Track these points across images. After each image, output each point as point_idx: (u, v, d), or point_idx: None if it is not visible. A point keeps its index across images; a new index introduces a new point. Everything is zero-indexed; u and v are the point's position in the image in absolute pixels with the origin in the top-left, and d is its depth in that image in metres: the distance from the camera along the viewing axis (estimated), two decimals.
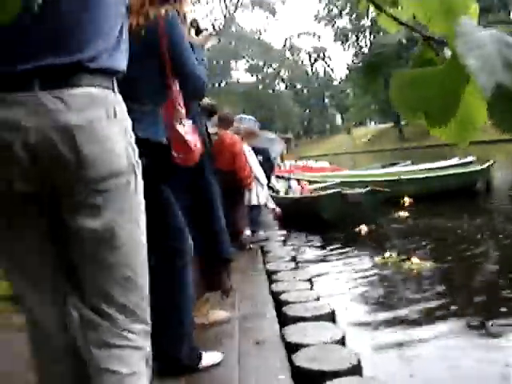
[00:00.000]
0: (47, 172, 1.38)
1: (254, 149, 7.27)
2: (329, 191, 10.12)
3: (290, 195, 11.11)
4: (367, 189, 9.94)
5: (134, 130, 2.55)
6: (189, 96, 2.88)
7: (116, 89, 1.51)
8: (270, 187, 10.93)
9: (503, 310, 4.68)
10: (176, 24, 2.66)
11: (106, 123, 1.41)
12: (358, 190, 10.15)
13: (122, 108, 1.53)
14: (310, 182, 12.44)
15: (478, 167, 12.64)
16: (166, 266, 2.72)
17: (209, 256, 3.11)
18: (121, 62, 1.52)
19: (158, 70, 2.65)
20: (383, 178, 12.73)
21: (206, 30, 3.13)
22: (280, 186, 11.46)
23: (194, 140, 2.75)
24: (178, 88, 2.79)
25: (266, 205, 8.00)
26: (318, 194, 10.31)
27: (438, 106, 0.83)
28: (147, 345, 1.62)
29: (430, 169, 14.30)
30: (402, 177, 12.69)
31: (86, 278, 1.51)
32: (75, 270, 1.51)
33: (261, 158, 8.32)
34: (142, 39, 2.59)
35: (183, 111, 2.79)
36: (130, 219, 1.52)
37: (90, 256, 1.48)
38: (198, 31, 3.07)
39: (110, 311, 1.51)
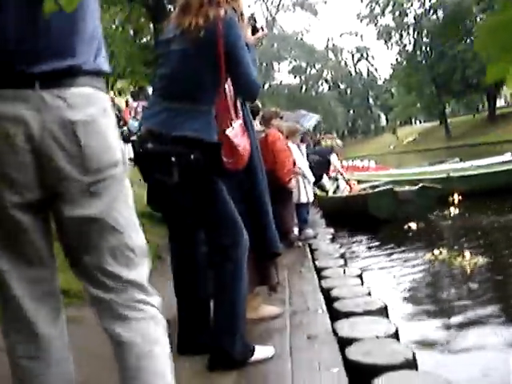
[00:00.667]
0: (50, 164, 1.49)
1: (311, 148, 7.26)
2: (380, 188, 10.04)
3: (338, 194, 11.04)
4: (419, 186, 9.80)
5: (186, 129, 2.59)
6: (242, 97, 2.90)
7: (104, 88, 1.64)
8: (319, 186, 10.95)
9: None
10: (234, 25, 2.66)
11: (102, 119, 1.55)
12: (409, 188, 10.01)
13: (110, 105, 1.64)
14: (358, 182, 12.32)
15: None
16: (221, 257, 2.75)
17: (258, 250, 3.10)
18: (105, 64, 1.63)
19: (214, 71, 2.66)
20: (433, 176, 12.50)
21: (262, 29, 3.13)
22: (328, 185, 11.40)
23: (243, 143, 2.74)
24: (230, 90, 2.80)
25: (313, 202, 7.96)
26: (368, 192, 10.22)
27: None
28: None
29: (480, 166, 13.98)
30: (452, 174, 12.45)
31: (91, 262, 1.61)
32: (80, 255, 1.62)
33: (317, 157, 8.31)
34: (200, 39, 2.60)
35: (234, 114, 2.80)
36: (127, 205, 1.64)
37: (94, 241, 1.59)
38: (255, 30, 3.07)
39: (118, 286, 1.61)
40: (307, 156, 8.20)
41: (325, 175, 11.13)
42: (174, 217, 3.08)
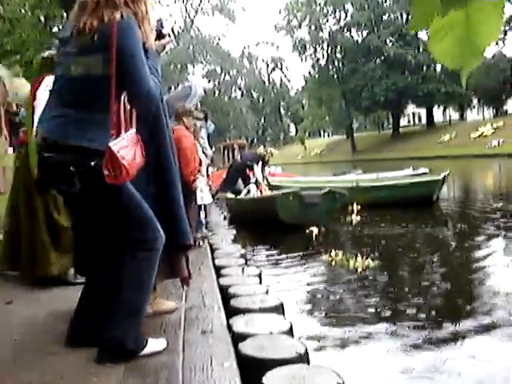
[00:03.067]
0: None
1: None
2: (286, 190, 10.18)
3: (249, 197, 11.14)
4: (326, 190, 10.00)
5: (81, 139, 2.49)
6: (135, 107, 2.74)
7: None
8: (233, 190, 11.09)
9: (440, 310, 4.90)
10: (129, 31, 2.53)
11: None
12: (315, 192, 10.19)
13: None
14: (269, 188, 12.46)
15: (438, 177, 12.94)
16: (133, 251, 2.71)
17: (169, 243, 3.04)
18: None
19: (107, 79, 2.52)
20: (341, 185, 12.85)
21: (169, 35, 3.04)
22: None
23: (130, 154, 2.57)
24: (124, 98, 2.67)
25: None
26: (275, 193, 10.34)
27: None
28: None
29: (385, 177, 14.57)
30: (360, 184, 12.86)
31: None
32: None
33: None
34: (93, 44, 2.49)
35: (125, 123, 2.67)
36: None
37: None
38: (160, 35, 2.97)
39: None
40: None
41: (240, 180, 11.28)
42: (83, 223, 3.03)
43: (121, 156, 2.50)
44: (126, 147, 2.58)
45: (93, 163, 2.49)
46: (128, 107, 2.69)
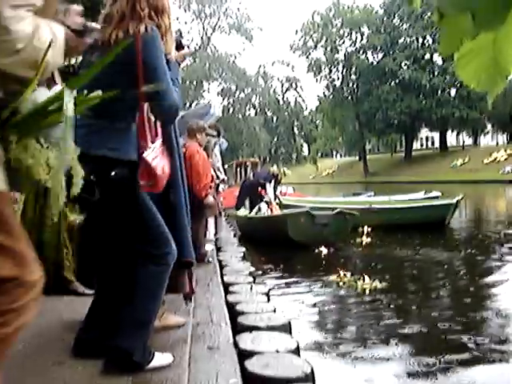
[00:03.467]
0: None
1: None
2: (298, 210, 10.19)
3: (259, 215, 11.17)
4: (336, 211, 10.01)
5: (103, 148, 2.54)
6: (158, 118, 2.80)
7: None
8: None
9: (447, 336, 4.86)
10: (153, 44, 2.59)
11: None
12: (326, 212, 10.20)
13: None
14: (280, 207, 12.47)
15: (451, 200, 12.91)
16: (147, 263, 2.75)
17: None
18: None
19: (132, 88, 2.57)
20: (353, 206, 12.86)
21: (188, 47, 3.10)
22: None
23: (161, 164, 2.67)
24: (148, 109, 2.73)
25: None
26: (286, 212, 10.36)
27: (485, 6, 0.79)
28: None
29: (398, 200, 14.56)
30: (374, 206, 12.86)
31: None
32: None
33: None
34: (118, 55, 2.54)
35: (152, 133, 2.73)
36: None
37: None
38: (180, 46, 3.03)
39: None
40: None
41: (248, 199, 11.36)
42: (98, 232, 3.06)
43: (155, 166, 2.58)
44: (157, 158, 2.64)
45: (113, 173, 2.53)
46: (152, 119, 2.75)
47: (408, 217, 12.31)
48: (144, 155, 2.60)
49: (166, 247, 2.79)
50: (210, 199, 6.46)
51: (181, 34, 3.06)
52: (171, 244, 2.81)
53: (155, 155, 2.66)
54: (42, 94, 1.64)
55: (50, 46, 1.55)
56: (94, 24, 2.07)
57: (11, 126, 1.51)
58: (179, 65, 3.03)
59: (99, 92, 1.70)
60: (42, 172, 1.58)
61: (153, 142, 2.70)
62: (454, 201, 12.80)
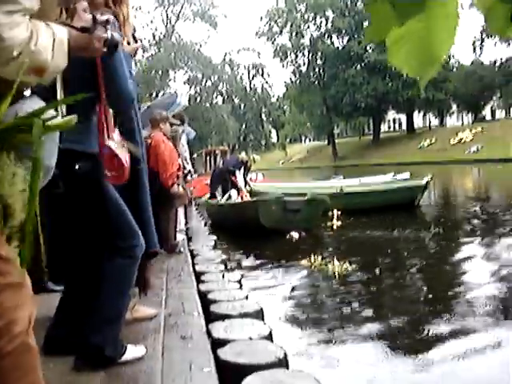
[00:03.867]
0: None
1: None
2: (269, 196, 10.20)
3: (230, 202, 11.15)
4: (308, 196, 10.04)
5: (65, 140, 2.48)
6: (113, 108, 2.75)
7: None
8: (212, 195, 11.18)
9: (419, 313, 4.95)
10: None
11: None
12: (297, 198, 10.23)
13: None
14: (251, 194, 12.45)
15: (421, 182, 13.04)
16: (109, 262, 2.70)
17: None
18: None
19: (90, 79, 2.52)
20: (324, 191, 12.90)
21: (141, 41, 3.05)
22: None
23: (124, 155, 2.64)
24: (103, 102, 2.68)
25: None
26: (257, 199, 10.36)
27: None
28: None
29: (367, 183, 14.67)
30: (344, 189, 12.93)
31: None
32: None
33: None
34: None
35: (110, 124, 2.69)
36: None
37: None
38: (133, 39, 2.98)
39: None
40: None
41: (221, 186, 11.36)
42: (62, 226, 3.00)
43: (120, 157, 2.55)
44: (119, 147, 2.61)
45: (77, 166, 2.49)
46: (110, 111, 2.70)
47: (379, 199, 12.42)
48: (108, 143, 2.56)
49: (134, 239, 2.75)
50: (178, 188, 6.43)
51: (134, 28, 3.01)
52: (139, 236, 2.78)
53: (117, 145, 2.62)
54: (33, 104, 1.60)
55: (53, 45, 1.51)
56: (104, 16, 2.01)
57: None
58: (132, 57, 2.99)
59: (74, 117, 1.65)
60: (7, 187, 1.54)
61: (109, 137, 2.65)
62: (424, 182, 12.95)
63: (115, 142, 2.63)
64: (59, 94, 2.18)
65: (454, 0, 0.90)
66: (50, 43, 1.51)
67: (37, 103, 1.61)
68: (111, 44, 2.05)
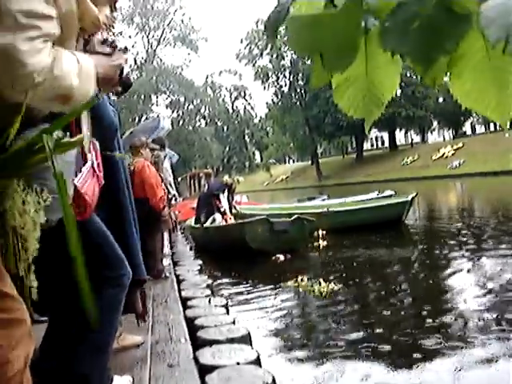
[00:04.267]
0: None
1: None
2: (255, 218, 10.21)
3: (215, 224, 11.14)
4: (294, 217, 10.07)
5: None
6: (98, 138, 2.73)
7: None
8: (197, 219, 11.20)
9: (408, 329, 4.95)
10: None
11: None
12: (284, 219, 10.25)
13: None
14: (236, 217, 12.43)
15: (406, 198, 13.12)
16: (95, 293, 2.63)
17: None
18: None
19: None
20: (310, 211, 12.98)
21: (126, 49, 3.07)
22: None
23: (90, 189, 2.48)
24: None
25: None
26: (243, 221, 10.36)
27: (333, 49, 0.83)
28: None
29: (353, 202, 14.75)
30: (331, 209, 12.99)
31: None
32: None
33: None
34: None
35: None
36: None
37: None
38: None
39: None
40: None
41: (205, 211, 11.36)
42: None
43: (84, 192, 2.50)
44: (87, 181, 2.57)
45: None
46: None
47: (365, 217, 12.48)
48: (75, 182, 2.51)
49: (121, 269, 2.73)
50: (165, 212, 6.44)
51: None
52: (126, 265, 2.76)
53: (86, 179, 2.57)
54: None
55: (79, 71, 1.51)
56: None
57: None
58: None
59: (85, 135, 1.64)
60: (18, 217, 1.51)
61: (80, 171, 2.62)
62: (409, 198, 13.03)
63: (82, 175, 2.58)
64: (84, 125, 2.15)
65: None
66: (75, 69, 1.50)
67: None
68: (126, 81, 2.05)
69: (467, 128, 65.14)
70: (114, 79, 1.90)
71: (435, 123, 64.44)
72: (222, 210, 11.68)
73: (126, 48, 1.99)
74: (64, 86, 1.45)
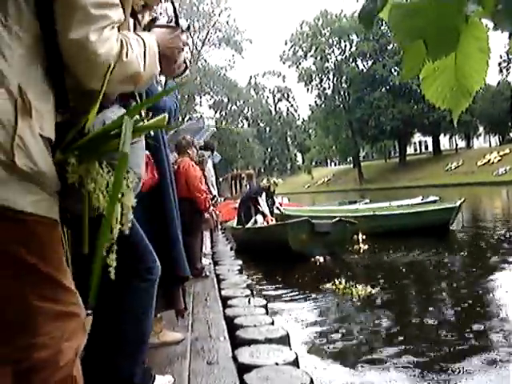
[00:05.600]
0: None
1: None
2: (297, 219, 10.20)
3: (257, 226, 11.19)
4: (336, 219, 10.03)
5: None
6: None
7: None
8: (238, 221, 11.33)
9: (447, 340, 4.86)
10: None
11: None
12: (326, 221, 10.20)
13: None
14: (277, 219, 12.45)
15: (454, 204, 12.89)
16: (127, 287, 2.66)
17: (165, 274, 3.05)
18: None
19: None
20: (356, 214, 12.93)
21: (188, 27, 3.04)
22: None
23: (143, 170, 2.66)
24: None
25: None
26: (285, 222, 10.36)
27: (435, 36, 0.84)
28: None
29: (399, 206, 14.58)
30: (377, 212, 12.89)
31: None
32: None
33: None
34: None
35: None
36: None
37: None
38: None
39: None
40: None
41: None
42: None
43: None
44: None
45: None
46: None
47: (411, 222, 12.30)
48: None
49: (151, 261, 2.74)
50: (211, 211, 6.51)
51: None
52: (154, 257, 2.76)
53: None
54: (117, 111, 1.64)
55: (145, 54, 1.55)
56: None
57: (74, 149, 1.48)
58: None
59: (165, 117, 1.68)
60: (101, 199, 1.54)
61: None
62: (458, 204, 12.79)
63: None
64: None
65: (485, 35, 0.94)
66: (142, 52, 1.56)
67: (120, 111, 1.65)
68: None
69: None
70: (175, 48, 1.94)
71: (481, 128, 63.24)
72: (261, 211, 11.73)
73: (188, 27, 2.01)
74: (133, 70, 1.52)
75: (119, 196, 1.55)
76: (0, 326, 1.37)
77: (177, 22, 2.00)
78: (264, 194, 12.10)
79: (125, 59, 1.47)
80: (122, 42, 1.48)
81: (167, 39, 1.92)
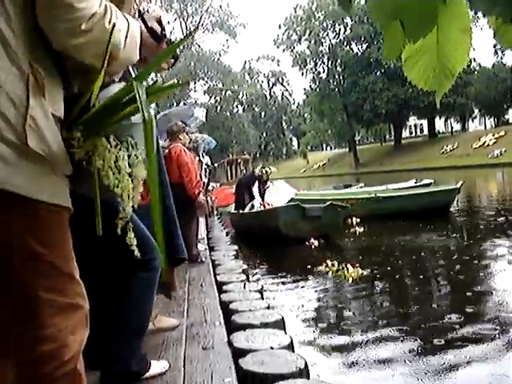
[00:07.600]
0: None
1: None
2: (288, 203, 10.26)
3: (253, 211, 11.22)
4: (327, 203, 10.05)
5: None
6: None
7: None
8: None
9: (432, 318, 4.94)
10: None
11: None
12: (318, 204, 10.24)
13: None
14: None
15: (455, 186, 12.88)
16: (130, 276, 2.68)
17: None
18: None
19: None
20: (356, 196, 12.99)
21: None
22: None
23: None
24: None
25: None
26: (276, 206, 10.40)
27: (413, 17, 0.84)
28: None
29: (395, 189, 14.59)
30: (379, 195, 12.92)
31: None
32: None
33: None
34: None
35: None
36: None
37: None
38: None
39: None
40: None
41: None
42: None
43: None
44: None
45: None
46: None
47: (411, 204, 12.30)
48: None
49: (153, 252, 2.76)
50: (202, 198, 6.48)
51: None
52: (157, 249, 2.78)
53: None
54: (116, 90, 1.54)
55: (127, 34, 1.43)
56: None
57: (80, 124, 1.42)
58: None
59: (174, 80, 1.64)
60: (111, 175, 1.48)
61: None
62: (459, 185, 12.78)
63: None
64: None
65: (467, 14, 0.93)
66: (125, 29, 1.43)
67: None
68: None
69: (510, 116, 63.68)
70: (149, 53, 1.88)
71: (476, 111, 63.25)
72: (255, 199, 11.78)
73: (170, 40, 1.98)
74: (113, 43, 1.37)
75: (128, 169, 1.51)
76: (6, 317, 1.33)
77: (163, 34, 1.97)
78: (256, 182, 12.12)
79: (107, 25, 1.34)
80: (106, 6, 1.36)
81: (148, 45, 1.87)
